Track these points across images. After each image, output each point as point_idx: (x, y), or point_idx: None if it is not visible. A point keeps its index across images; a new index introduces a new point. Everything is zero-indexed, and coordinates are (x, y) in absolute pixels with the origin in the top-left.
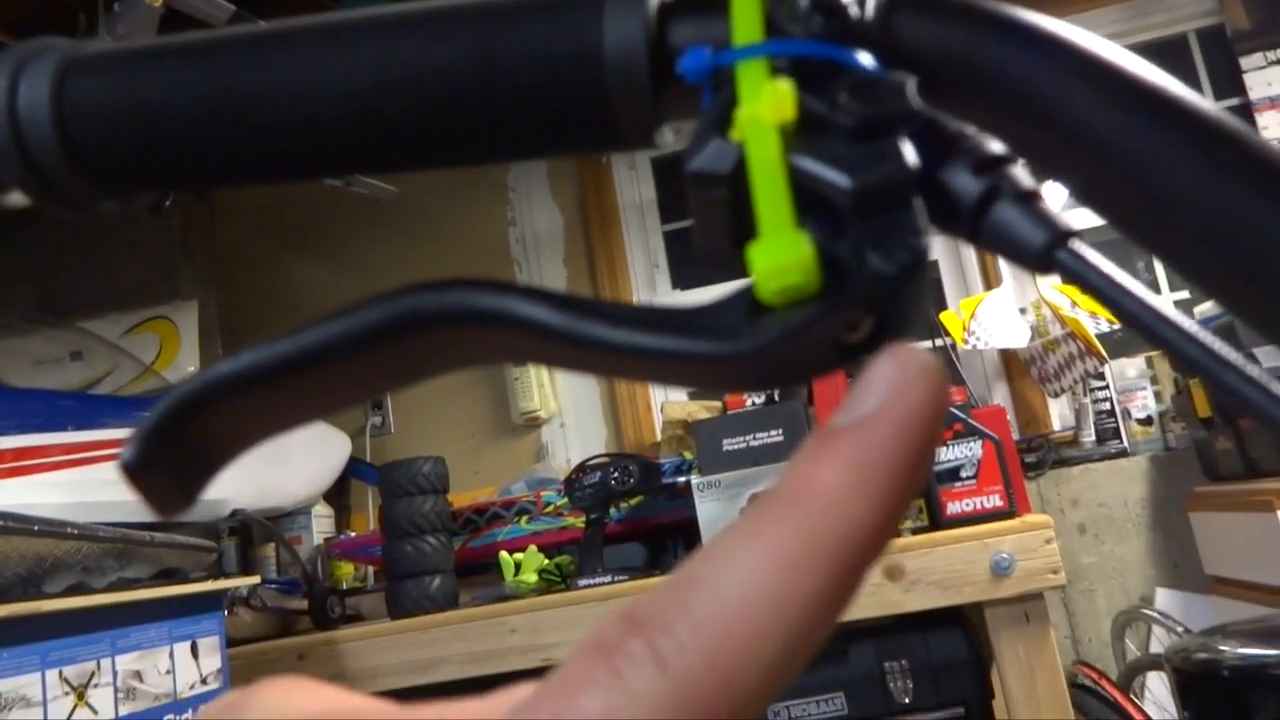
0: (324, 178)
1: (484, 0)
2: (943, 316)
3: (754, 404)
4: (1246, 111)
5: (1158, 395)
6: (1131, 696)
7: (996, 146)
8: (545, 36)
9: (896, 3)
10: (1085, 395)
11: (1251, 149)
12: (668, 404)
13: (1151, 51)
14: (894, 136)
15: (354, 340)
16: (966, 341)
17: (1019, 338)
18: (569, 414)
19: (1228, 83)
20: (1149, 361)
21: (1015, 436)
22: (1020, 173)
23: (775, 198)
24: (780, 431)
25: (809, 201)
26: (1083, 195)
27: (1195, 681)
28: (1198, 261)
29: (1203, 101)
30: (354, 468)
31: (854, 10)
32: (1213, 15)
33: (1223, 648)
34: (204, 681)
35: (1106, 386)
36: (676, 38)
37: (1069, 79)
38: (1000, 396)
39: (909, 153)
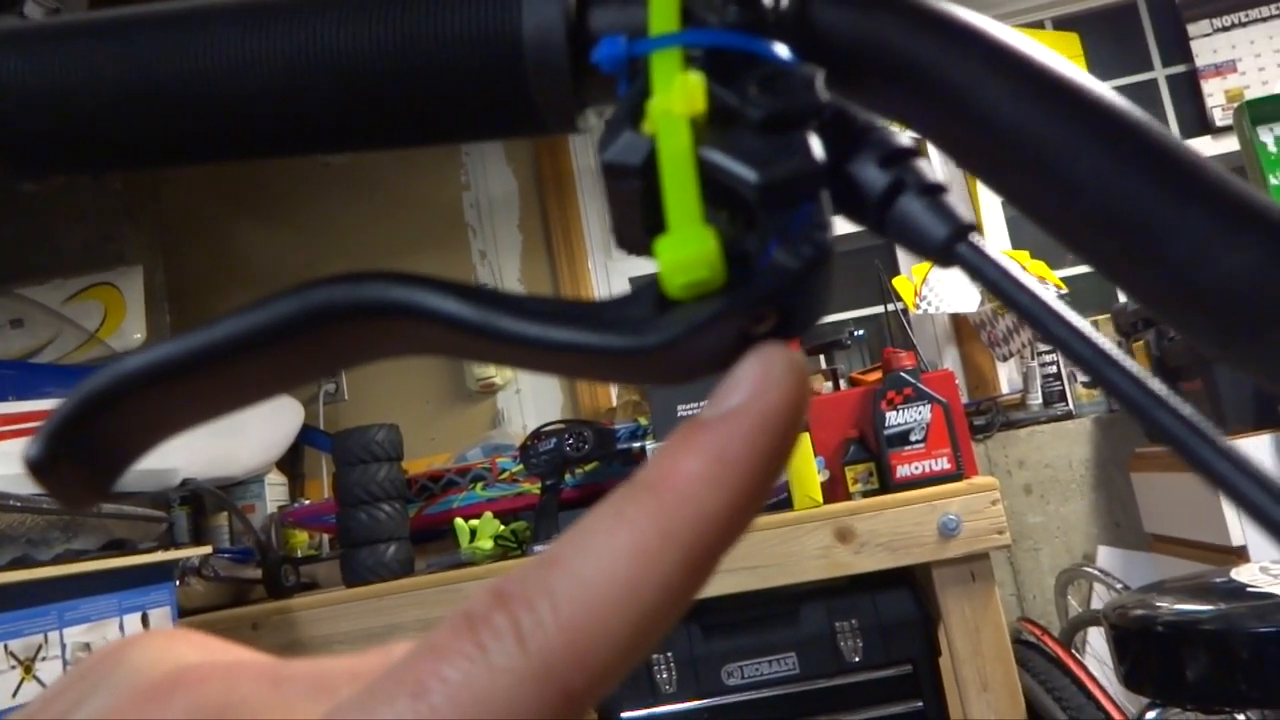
0: (242, 159)
1: None
2: (895, 282)
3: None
4: (1192, 78)
5: None
6: (1073, 651)
7: (903, 140)
8: (464, 19)
9: None
10: (1033, 359)
11: (1152, 140)
12: None
13: (1101, 17)
14: (802, 130)
15: (265, 334)
16: (918, 306)
17: (969, 303)
18: (524, 380)
19: (1175, 49)
20: (1095, 325)
21: (964, 400)
22: (925, 166)
23: (683, 192)
24: None
25: (718, 192)
26: (990, 181)
27: (1130, 637)
28: (1099, 247)
29: (1108, 93)
30: (307, 435)
31: (768, 0)
32: None
33: (1158, 604)
34: None
35: (1054, 350)
36: (596, 22)
37: (979, 68)
38: (950, 360)
39: (816, 147)
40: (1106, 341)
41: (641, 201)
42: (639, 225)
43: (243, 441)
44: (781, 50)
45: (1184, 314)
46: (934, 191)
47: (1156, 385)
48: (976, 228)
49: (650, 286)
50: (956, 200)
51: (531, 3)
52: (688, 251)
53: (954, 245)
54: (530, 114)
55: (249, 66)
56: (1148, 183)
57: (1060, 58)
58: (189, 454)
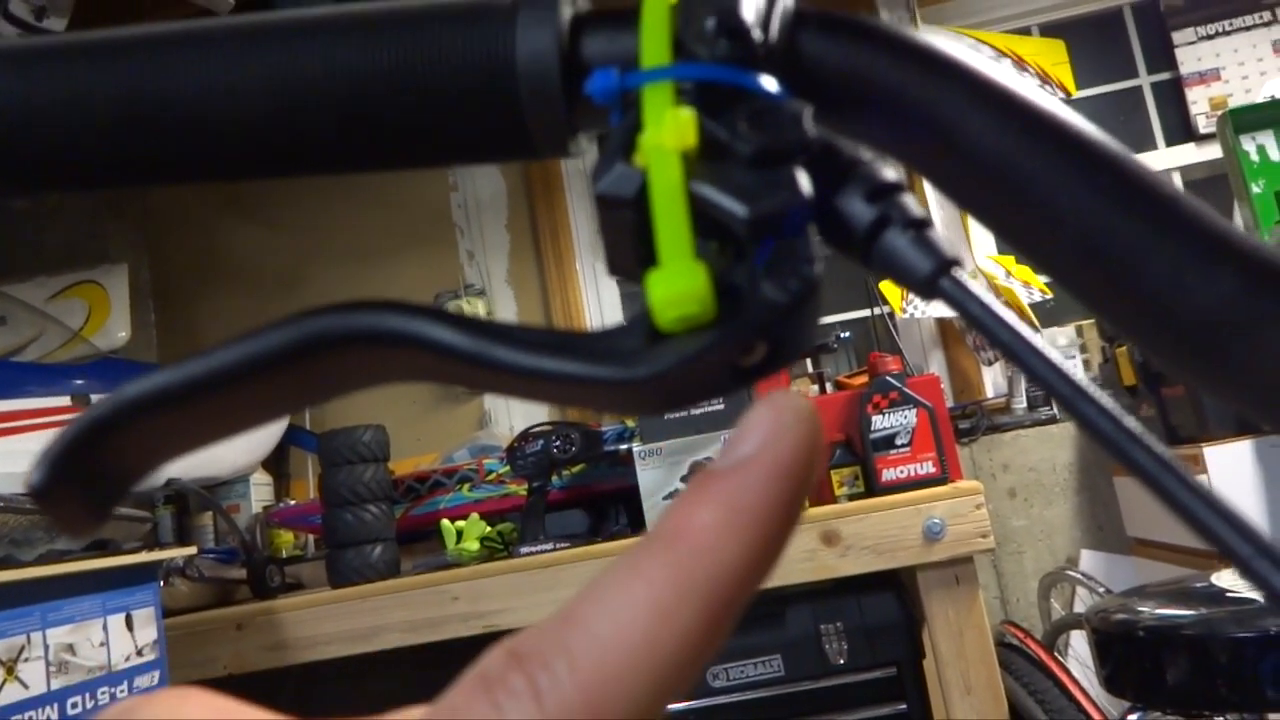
0: (234, 180)
1: (400, 7)
2: (882, 285)
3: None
4: (1177, 85)
5: (1086, 363)
6: (1055, 654)
7: (889, 174)
8: (458, 46)
9: (801, 24)
10: None
11: (1130, 173)
12: None
13: (1088, 24)
14: (790, 164)
15: (262, 362)
16: (904, 310)
17: None
18: None
19: (1160, 57)
20: (1078, 330)
21: (949, 404)
22: (910, 201)
23: (674, 226)
24: (720, 400)
25: (708, 224)
26: (973, 211)
27: (1112, 640)
28: (1080, 277)
29: (1089, 127)
30: (293, 435)
31: (758, 34)
32: None
33: (1139, 609)
34: (139, 653)
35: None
36: (588, 50)
37: (963, 102)
38: (936, 364)
39: (804, 182)
40: (1084, 378)
41: (634, 231)
42: (631, 254)
43: (228, 441)
44: (770, 84)
45: (1162, 343)
46: (918, 226)
47: (1132, 423)
48: (960, 263)
49: (641, 318)
50: (940, 235)
51: (526, 31)
52: (679, 286)
53: (938, 280)
54: (523, 139)
55: (242, 90)
56: (1126, 215)
57: (1042, 92)
58: None
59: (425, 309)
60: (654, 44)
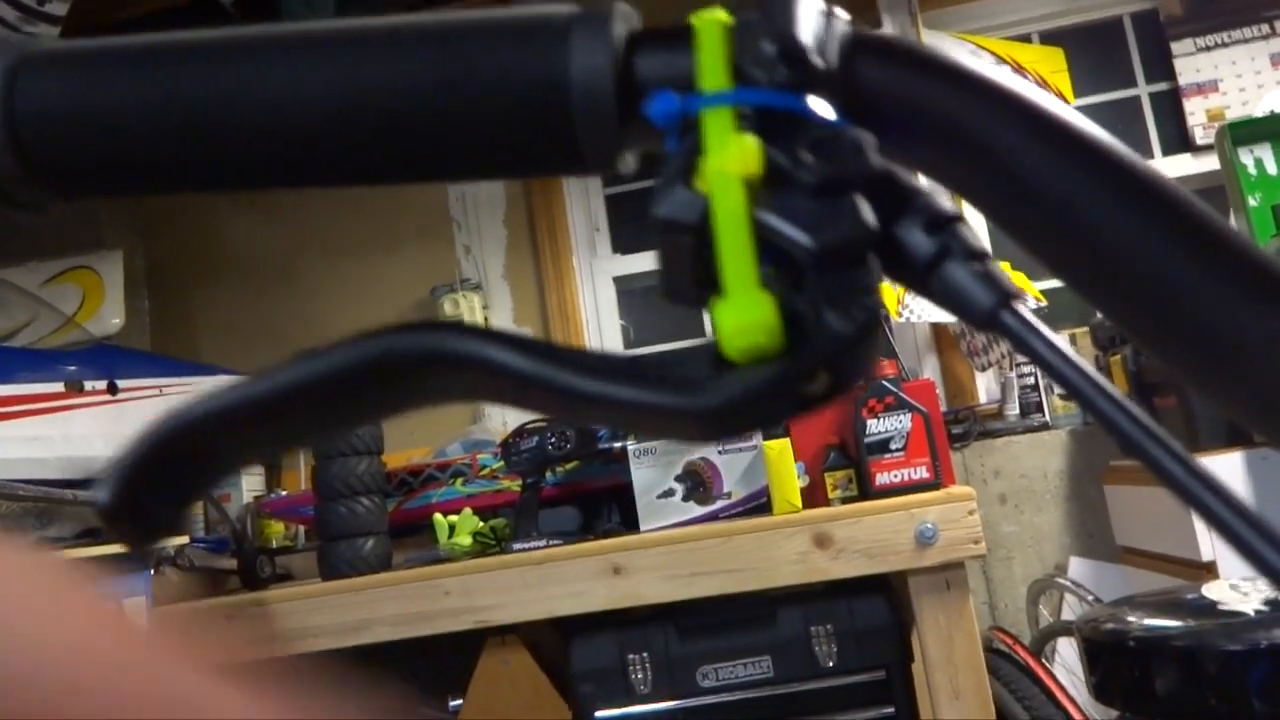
0: (282, 189)
1: (453, 20)
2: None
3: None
4: (1175, 96)
5: None
6: (1043, 661)
7: (948, 205)
8: (513, 62)
9: (858, 50)
10: (1011, 370)
11: (1183, 209)
12: None
13: (1088, 33)
14: (853, 194)
15: (332, 379)
16: (900, 314)
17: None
18: None
19: (1159, 67)
20: (1072, 339)
21: (943, 408)
22: (969, 233)
23: (740, 255)
24: None
25: (766, 250)
26: (1023, 241)
27: (1102, 650)
28: (1127, 311)
29: (1143, 162)
30: None
31: (816, 59)
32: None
33: (1129, 619)
34: None
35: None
36: (642, 70)
37: (1018, 134)
38: (930, 369)
39: (867, 212)
40: (1147, 417)
41: (693, 255)
42: (689, 276)
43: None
44: (830, 113)
45: (1207, 375)
46: (979, 259)
47: (1198, 463)
48: (1021, 296)
49: (708, 347)
50: (1000, 268)
51: (581, 50)
52: (747, 317)
53: (999, 313)
54: (573, 154)
55: (297, 100)
56: (1178, 250)
57: (1095, 126)
58: None
59: (491, 332)
60: (713, 67)
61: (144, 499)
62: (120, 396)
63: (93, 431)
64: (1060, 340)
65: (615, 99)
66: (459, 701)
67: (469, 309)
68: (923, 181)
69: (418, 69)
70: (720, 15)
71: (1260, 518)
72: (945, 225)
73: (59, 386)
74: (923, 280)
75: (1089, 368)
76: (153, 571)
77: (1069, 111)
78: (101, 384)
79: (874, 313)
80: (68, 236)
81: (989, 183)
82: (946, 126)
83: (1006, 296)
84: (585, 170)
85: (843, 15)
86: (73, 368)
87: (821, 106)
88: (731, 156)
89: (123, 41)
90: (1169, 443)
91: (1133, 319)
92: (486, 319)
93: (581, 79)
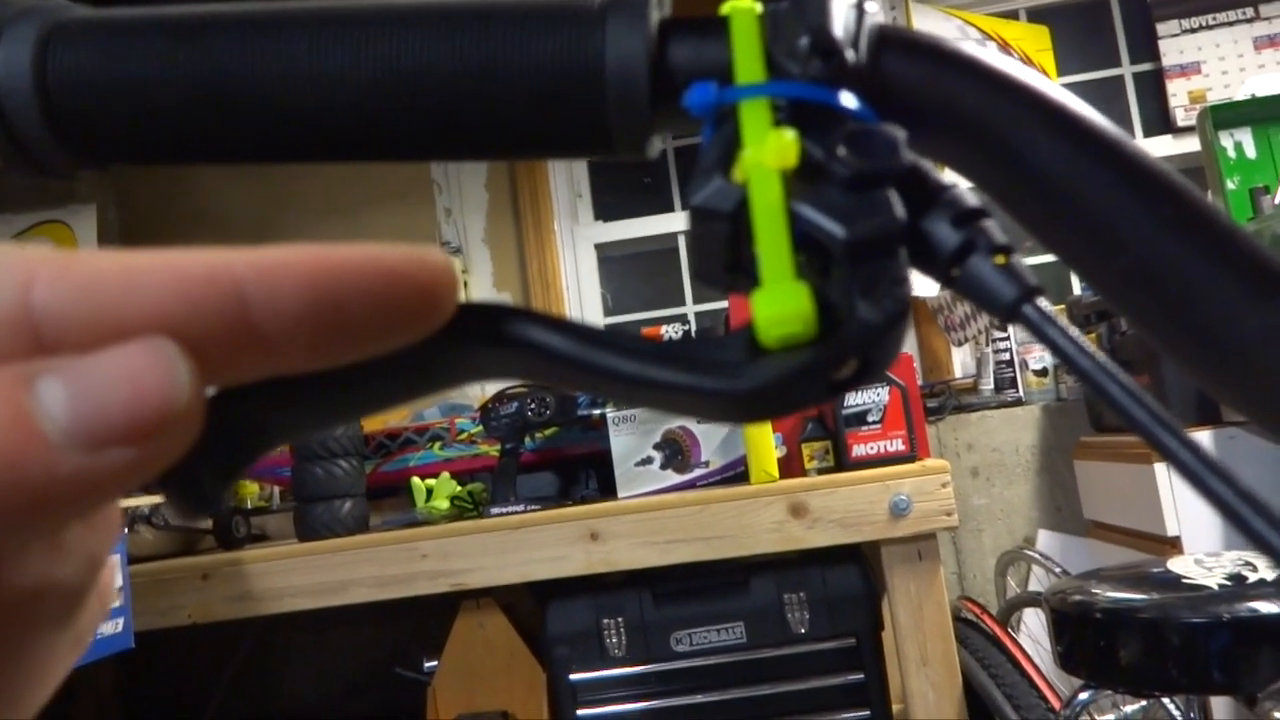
0: (309, 162)
1: (489, 2)
2: None
3: (670, 339)
4: (1158, 77)
5: None
6: (1009, 631)
7: (974, 200)
8: (548, 47)
9: (884, 44)
10: (987, 345)
11: (1192, 206)
12: None
13: (1075, 11)
14: (885, 188)
15: (392, 355)
16: None
17: (928, 286)
18: None
19: (1143, 47)
20: None
21: (919, 382)
22: (994, 228)
23: (777, 246)
24: None
25: (800, 239)
26: (1036, 232)
27: (1069, 621)
28: (1135, 302)
29: (1155, 160)
30: None
31: (848, 53)
32: None
33: (1095, 591)
34: None
35: (1007, 338)
36: (676, 57)
37: (1037, 129)
38: (907, 343)
39: (898, 206)
40: (1164, 410)
41: (727, 242)
42: (720, 263)
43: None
44: (863, 108)
45: (1207, 368)
46: (1003, 253)
47: (1208, 453)
48: (1042, 290)
49: (744, 333)
50: (1023, 263)
51: (615, 36)
52: (785, 306)
53: (1020, 306)
54: (603, 138)
55: (329, 77)
56: (1186, 246)
57: (1111, 123)
58: None
59: (539, 315)
60: (748, 59)
61: (193, 467)
62: None
63: None
64: (1079, 334)
65: (649, 86)
66: (434, 663)
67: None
68: (948, 175)
69: (453, 51)
70: (752, 5)
71: (1269, 505)
72: (971, 220)
73: None
74: (947, 272)
75: (1106, 360)
76: (127, 530)
77: (1086, 108)
78: None
79: (904, 303)
80: (39, 189)
81: (1007, 176)
82: (968, 121)
83: (1029, 291)
84: (613, 153)
85: (872, 8)
86: None
87: (860, 104)
88: (770, 149)
89: (157, 12)
90: (1181, 433)
91: (1143, 313)
92: (466, 283)
93: (616, 65)
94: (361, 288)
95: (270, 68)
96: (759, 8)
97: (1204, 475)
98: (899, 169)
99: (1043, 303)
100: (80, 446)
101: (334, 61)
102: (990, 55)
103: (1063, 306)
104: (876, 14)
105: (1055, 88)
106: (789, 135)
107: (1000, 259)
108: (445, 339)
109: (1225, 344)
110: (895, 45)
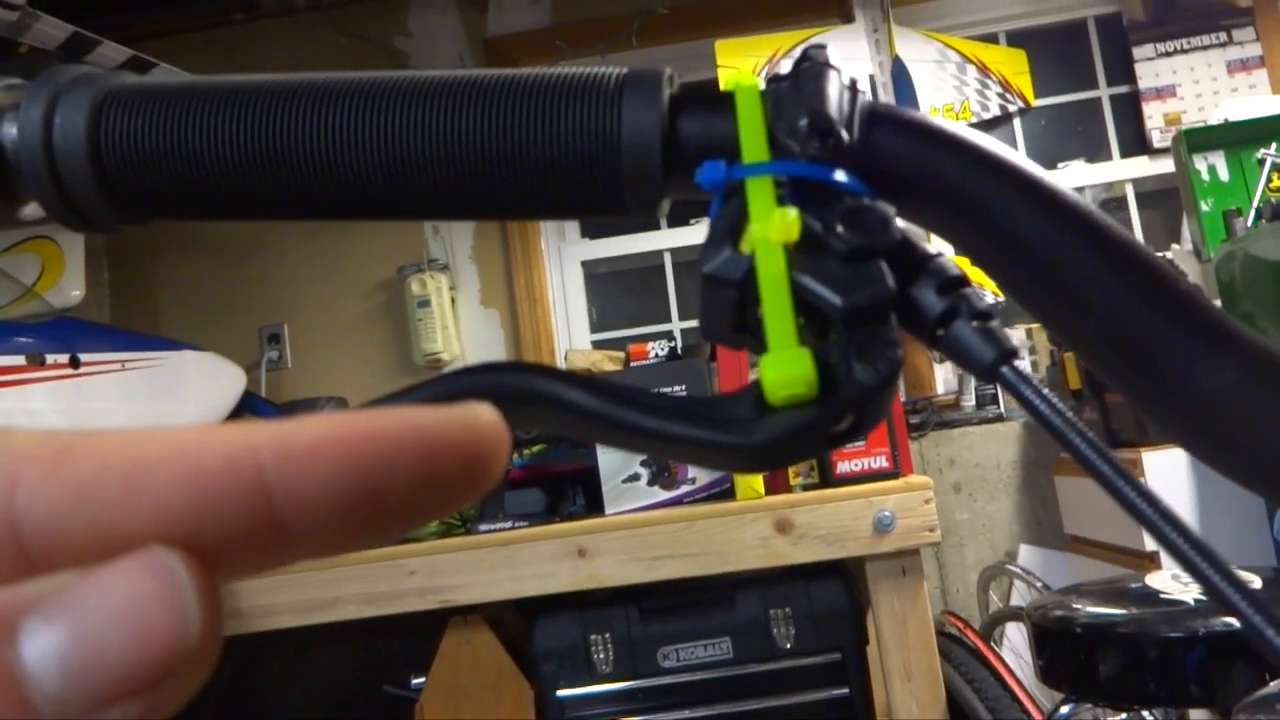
0: (343, 220)
1: (514, 76)
2: None
3: (658, 357)
4: (1134, 99)
5: (1035, 365)
6: (991, 644)
7: (957, 269)
8: (570, 122)
9: (875, 122)
10: None
11: (1153, 272)
12: (572, 352)
13: (1053, 35)
14: (878, 260)
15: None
16: None
17: None
18: (472, 357)
19: (1120, 70)
20: (1029, 333)
21: (902, 399)
22: (975, 295)
23: (781, 315)
24: (684, 386)
25: (801, 305)
26: (1014, 294)
27: (1050, 635)
28: (1105, 358)
29: (1122, 230)
30: (249, 403)
31: (843, 133)
32: (1112, 3)
33: (1076, 605)
34: None
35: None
36: (685, 130)
37: (1015, 202)
38: None
39: (889, 277)
40: (1127, 469)
41: (734, 306)
42: (728, 324)
43: (181, 404)
44: (858, 185)
45: (1171, 418)
46: (983, 318)
47: (1177, 514)
48: (1018, 353)
49: (751, 391)
50: (1000, 327)
51: (632, 111)
52: (790, 371)
53: (999, 367)
54: (618, 202)
55: (363, 145)
56: (1148, 308)
57: (1083, 197)
58: (126, 416)
59: (560, 373)
60: (753, 138)
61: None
62: (81, 370)
63: (53, 406)
64: (1051, 394)
65: (661, 157)
66: (422, 680)
67: (435, 289)
68: (935, 249)
69: (481, 122)
70: (754, 82)
71: (1235, 573)
72: (954, 287)
73: (19, 360)
74: (933, 334)
75: (1076, 420)
76: None
77: (1060, 182)
78: (63, 357)
79: (896, 365)
80: None
81: (987, 242)
82: (952, 192)
83: (1005, 354)
84: (626, 214)
85: (862, 90)
86: (29, 340)
87: (855, 182)
88: (775, 225)
89: (203, 82)
90: (1148, 492)
91: (1112, 369)
92: (454, 300)
93: (632, 139)
94: (402, 464)
95: (310, 136)
96: (761, 84)
97: (1166, 531)
98: (890, 243)
99: (1019, 363)
100: (75, 712)
101: (369, 131)
102: (972, 132)
103: (1040, 326)
104: (865, 94)
105: (1033, 164)
106: (791, 213)
107: (980, 323)
108: (487, 398)
109: (1186, 397)
110: (885, 123)
